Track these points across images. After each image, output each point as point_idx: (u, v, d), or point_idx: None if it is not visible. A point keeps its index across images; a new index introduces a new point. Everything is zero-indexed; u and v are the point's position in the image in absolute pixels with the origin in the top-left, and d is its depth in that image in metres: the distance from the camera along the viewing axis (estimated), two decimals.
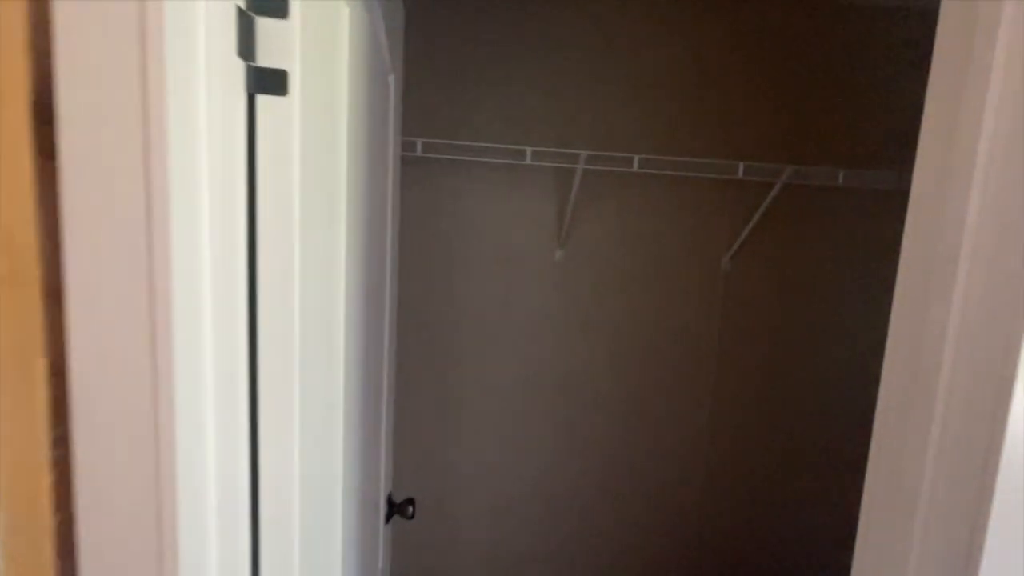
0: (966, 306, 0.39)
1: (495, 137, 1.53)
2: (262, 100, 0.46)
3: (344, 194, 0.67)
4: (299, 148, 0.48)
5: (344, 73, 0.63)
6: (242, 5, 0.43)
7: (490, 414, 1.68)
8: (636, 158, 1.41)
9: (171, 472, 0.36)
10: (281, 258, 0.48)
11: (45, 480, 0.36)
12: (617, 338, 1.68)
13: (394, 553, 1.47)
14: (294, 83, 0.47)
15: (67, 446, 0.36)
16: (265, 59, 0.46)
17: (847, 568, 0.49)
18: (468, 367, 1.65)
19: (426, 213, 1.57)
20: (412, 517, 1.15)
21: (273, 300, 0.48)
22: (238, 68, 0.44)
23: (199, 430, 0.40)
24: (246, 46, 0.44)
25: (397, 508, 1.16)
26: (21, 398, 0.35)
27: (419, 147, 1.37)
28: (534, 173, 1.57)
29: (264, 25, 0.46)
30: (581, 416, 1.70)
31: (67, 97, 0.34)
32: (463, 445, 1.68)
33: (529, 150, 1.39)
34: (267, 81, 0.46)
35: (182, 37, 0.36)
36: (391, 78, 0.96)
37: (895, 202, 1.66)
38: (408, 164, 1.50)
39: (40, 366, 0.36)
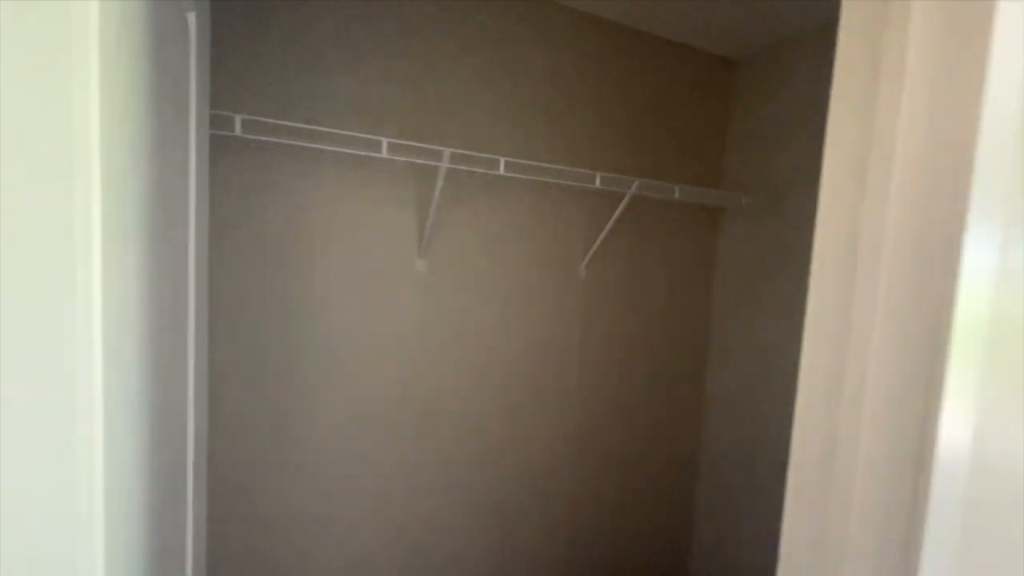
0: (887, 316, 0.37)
1: (342, 124, 1.31)
2: None
3: (98, 167, 0.42)
4: None
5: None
6: None
7: (342, 454, 1.42)
8: (503, 160, 1.34)
9: None
10: None
11: None
12: (485, 354, 1.59)
13: None
14: None
15: None
16: None
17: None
18: (313, 399, 1.37)
19: (253, 209, 1.25)
20: None
21: None
22: None
23: None
24: None
25: None
26: None
27: (238, 125, 1.08)
28: (390, 170, 1.39)
29: None
30: (449, 442, 1.56)
31: None
32: (307, 494, 1.38)
33: (385, 142, 1.21)
34: None
35: None
36: (191, 17, 0.70)
37: (710, 216, 1.94)
38: (224, 145, 1.17)
39: None
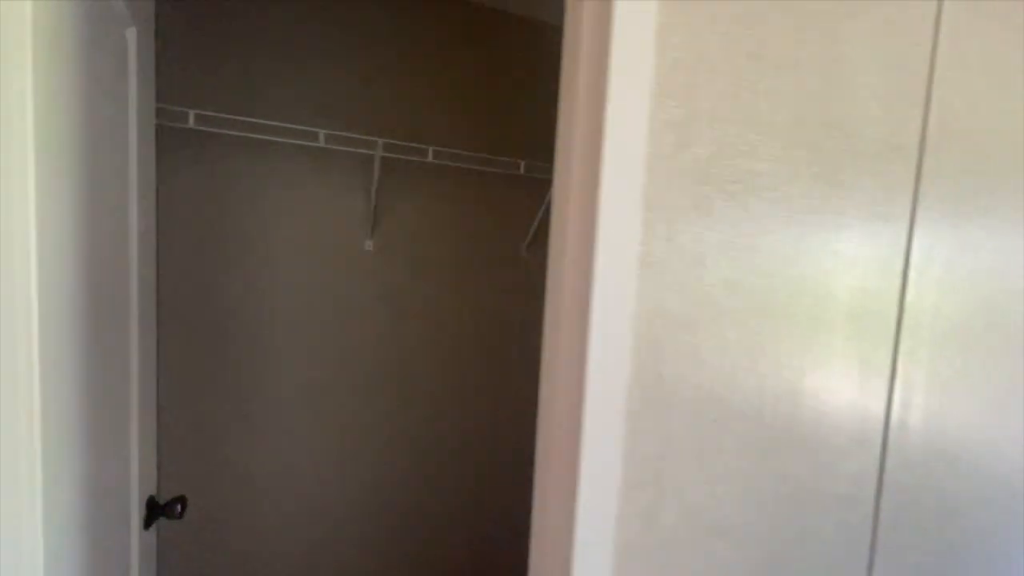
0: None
1: (289, 118, 1.47)
2: None
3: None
4: None
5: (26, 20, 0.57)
6: None
7: (299, 414, 1.62)
8: (431, 149, 1.50)
9: None
10: None
11: None
12: (431, 328, 1.76)
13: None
14: None
15: None
16: None
17: None
18: (271, 366, 1.56)
19: (211, 194, 1.44)
20: (181, 516, 1.07)
21: None
22: None
23: None
24: None
25: (162, 509, 1.07)
26: None
27: (191, 119, 1.25)
28: (336, 160, 1.56)
29: None
30: (399, 403, 1.75)
31: None
32: (267, 453, 1.59)
33: (322, 133, 1.38)
34: None
35: None
36: (130, 32, 0.87)
37: None
38: (178, 138, 1.35)
39: None
